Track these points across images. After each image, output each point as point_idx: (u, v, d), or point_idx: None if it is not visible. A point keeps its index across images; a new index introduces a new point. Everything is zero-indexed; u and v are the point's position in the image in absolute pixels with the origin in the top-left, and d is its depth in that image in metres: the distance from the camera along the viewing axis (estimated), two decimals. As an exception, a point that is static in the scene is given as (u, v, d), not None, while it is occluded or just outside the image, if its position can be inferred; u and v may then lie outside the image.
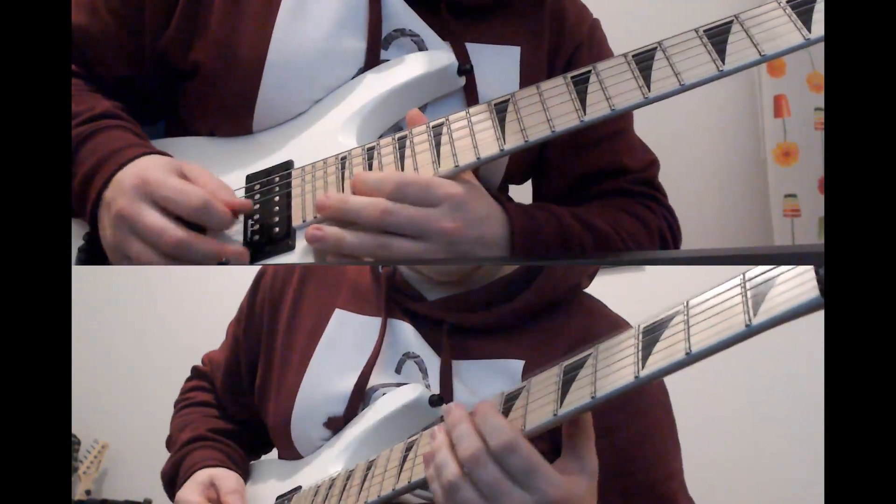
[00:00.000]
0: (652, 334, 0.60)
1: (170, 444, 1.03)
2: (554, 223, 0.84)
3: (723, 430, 1.62)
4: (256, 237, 0.79)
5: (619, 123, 0.97)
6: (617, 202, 0.93)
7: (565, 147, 0.94)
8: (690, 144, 2.08)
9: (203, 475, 0.92)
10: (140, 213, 0.74)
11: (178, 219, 0.75)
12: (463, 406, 0.66)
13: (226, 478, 0.91)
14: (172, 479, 0.97)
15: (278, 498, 0.88)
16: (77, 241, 0.82)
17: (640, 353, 0.60)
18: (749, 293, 0.56)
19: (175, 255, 0.74)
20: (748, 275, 0.57)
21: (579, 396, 0.62)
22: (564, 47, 0.94)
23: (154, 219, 0.74)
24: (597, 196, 0.94)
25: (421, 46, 0.88)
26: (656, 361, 0.58)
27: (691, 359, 0.57)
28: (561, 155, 0.95)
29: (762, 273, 0.56)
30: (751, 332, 0.54)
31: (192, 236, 0.74)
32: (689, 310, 0.59)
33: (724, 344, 0.56)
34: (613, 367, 0.61)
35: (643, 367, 0.59)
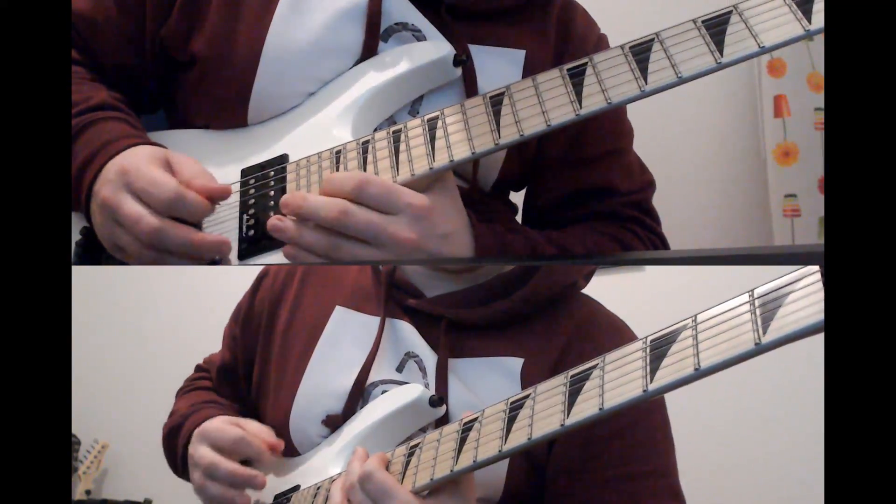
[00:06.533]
0: (660, 348, 0.61)
1: (171, 416, 1.01)
2: (526, 248, 0.83)
3: (722, 431, 1.62)
4: (252, 232, 0.79)
5: (616, 143, 0.96)
6: (602, 226, 0.93)
7: (560, 161, 0.94)
8: (690, 144, 2.08)
9: (226, 416, 0.91)
10: (119, 201, 0.75)
11: None
12: (365, 450, 0.76)
13: (251, 422, 0.90)
14: (174, 432, 0.96)
15: (277, 496, 0.88)
16: (75, 236, 0.82)
17: (648, 367, 0.60)
18: (758, 310, 0.56)
19: (153, 244, 0.74)
20: (757, 291, 0.57)
21: (587, 408, 0.63)
22: (568, 58, 0.94)
23: (131, 207, 0.74)
24: (585, 216, 0.94)
25: (421, 40, 0.87)
26: (665, 376, 0.59)
27: (700, 374, 0.58)
28: (555, 168, 0.95)
29: (772, 291, 0.56)
30: (760, 350, 0.55)
31: (168, 224, 0.74)
32: (697, 325, 0.60)
33: (732, 361, 0.56)
34: (622, 380, 0.61)
35: (651, 381, 0.59)
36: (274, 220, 0.76)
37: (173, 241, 0.74)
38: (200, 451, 0.87)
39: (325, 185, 0.77)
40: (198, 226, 0.77)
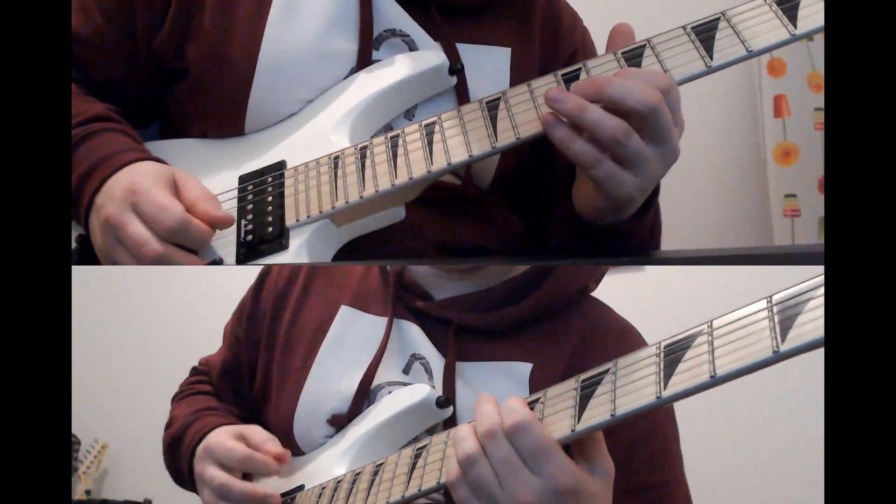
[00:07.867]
0: (674, 354, 0.59)
1: (169, 425, 1.00)
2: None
3: (722, 431, 1.62)
4: (250, 237, 0.79)
5: None
6: None
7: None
8: (690, 144, 2.07)
9: (229, 428, 0.90)
10: (125, 222, 0.75)
11: None
12: (494, 397, 0.67)
13: (254, 429, 0.89)
14: (176, 443, 0.95)
15: (281, 496, 0.88)
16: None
17: (662, 373, 0.59)
18: (776, 317, 0.55)
19: (155, 266, 0.75)
20: (775, 298, 0.56)
21: (598, 413, 0.61)
22: (560, 53, 0.94)
23: (136, 230, 0.74)
24: None
25: (412, 47, 0.88)
26: (679, 382, 0.58)
27: (716, 381, 0.56)
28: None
29: (790, 297, 0.55)
30: (778, 358, 0.54)
31: (172, 252, 0.75)
32: (713, 331, 0.58)
33: (749, 369, 0.55)
34: (634, 386, 0.60)
35: (665, 388, 0.58)
36: (554, 92, 0.72)
37: (178, 265, 0.75)
38: (210, 472, 0.86)
39: (633, 84, 0.71)
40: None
